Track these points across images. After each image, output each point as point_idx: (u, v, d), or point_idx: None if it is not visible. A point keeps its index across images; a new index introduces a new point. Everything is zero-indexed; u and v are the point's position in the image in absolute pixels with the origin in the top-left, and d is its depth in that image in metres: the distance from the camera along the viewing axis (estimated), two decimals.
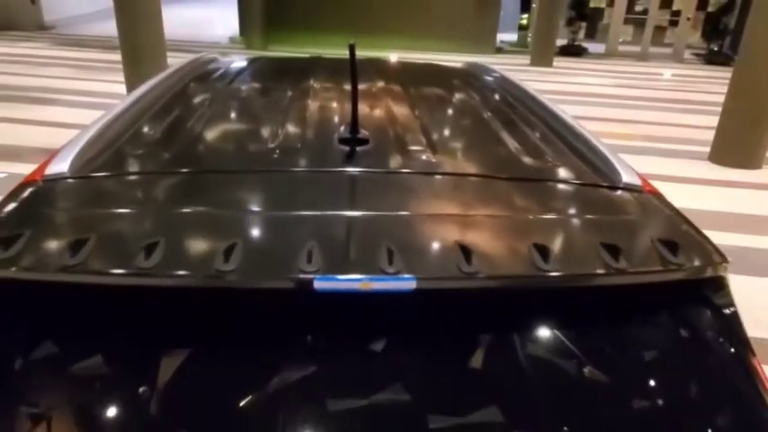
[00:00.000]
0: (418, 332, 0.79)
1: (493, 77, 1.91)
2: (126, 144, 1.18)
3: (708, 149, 6.61)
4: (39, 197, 0.95)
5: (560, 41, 15.53)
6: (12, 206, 0.91)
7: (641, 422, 0.78)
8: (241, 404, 0.72)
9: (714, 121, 6.58)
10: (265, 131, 1.31)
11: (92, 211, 0.93)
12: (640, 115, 8.74)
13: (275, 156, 1.15)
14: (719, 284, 0.93)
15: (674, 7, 16.99)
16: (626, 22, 17.88)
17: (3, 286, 0.78)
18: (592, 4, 18.76)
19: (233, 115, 1.52)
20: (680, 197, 5.29)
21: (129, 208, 0.95)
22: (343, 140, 1.16)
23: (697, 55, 15.79)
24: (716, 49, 15.32)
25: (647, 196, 1.06)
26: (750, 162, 6.29)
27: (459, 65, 2.25)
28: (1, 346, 0.77)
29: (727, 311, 0.93)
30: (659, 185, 4.93)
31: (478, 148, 1.37)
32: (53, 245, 0.82)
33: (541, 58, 13.20)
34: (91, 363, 0.74)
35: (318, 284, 0.75)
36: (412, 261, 0.80)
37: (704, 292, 0.93)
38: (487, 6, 14.34)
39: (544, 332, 0.82)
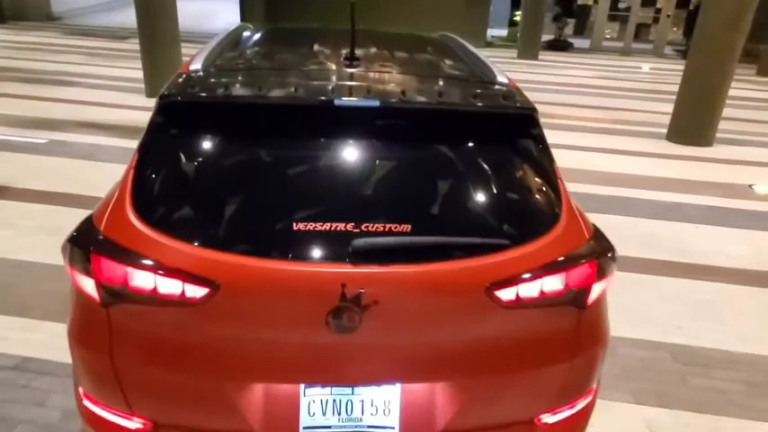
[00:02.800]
0: (382, 131, 1.61)
1: (454, 41, 2.68)
2: (221, 60, 2.00)
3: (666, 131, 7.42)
4: (191, 77, 1.74)
5: (548, 37, 16.35)
6: (182, 79, 1.72)
7: (487, 196, 1.57)
8: (303, 164, 1.55)
9: None
10: (303, 54, 2.28)
11: (218, 79, 1.80)
12: (615, 103, 9.52)
13: (311, 63, 2.08)
14: (535, 122, 1.72)
15: (658, 5, 17.86)
16: (612, 19, 18.68)
17: (192, 106, 1.63)
18: (580, 2, 19.60)
19: (280, 47, 2.52)
20: (634, 166, 6.09)
21: (238, 77, 1.86)
22: (346, 59, 1.96)
23: (677, 51, 16.59)
24: None
25: (508, 88, 1.85)
26: (700, 140, 7.08)
27: (434, 35, 3.05)
28: (188, 141, 1.56)
29: (539, 140, 1.72)
30: (621, 158, 5.80)
31: (422, 66, 2.34)
32: (208, 89, 1.69)
33: (527, 51, 13.96)
34: (232, 143, 1.57)
35: (338, 102, 1.56)
36: (378, 93, 1.64)
37: (526, 125, 1.70)
38: (478, 2, 15.12)
39: (439, 140, 1.63)
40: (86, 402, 1.66)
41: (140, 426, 1.58)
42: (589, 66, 13.64)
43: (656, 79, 12.22)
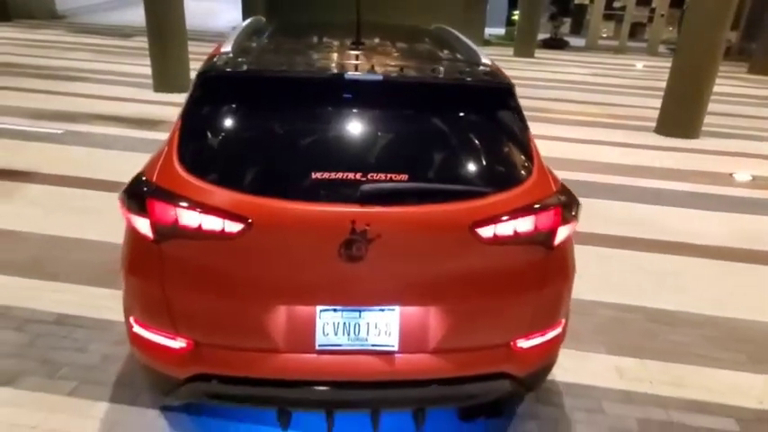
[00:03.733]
0: (384, 100, 1.94)
1: (447, 32, 2.99)
2: (245, 45, 2.34)
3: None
4: (223, 57, 2.07)
5: (544, 36, 16.70)
6: (215, 59, 2.05)
7: (471, 153, 1.91)
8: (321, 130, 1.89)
9: None
10: (315, 39, 2.65)
11: (245, 58, 2.14)
12: (608, 99, 9.86)
13: (324, 46, 2.46)
14: (512, 92, 2.04)
15: (653, 5, 18.20)
16: (608, 18, 19.02)
17: (226, 79, 1.98)
18: (576, 1, 19.95)
19: (294, 34, 2.90)
20: (623, 156, 6.42)
21: (262, 57, 2.25)
22: (353, 43, 2.29)
23: (671, 49, 16.91)
24: None
25: (491, 67, 2.18)
26: (687, 133, 7.41)
27: (431, 27, 3.38)
28: (223, 108, 1.89)
29: (516, 110, 2.05)
30: (611, 149, 6.20)
31: (418, 49, 2.70)
32: (237, 66, 2.04)
33: (524, 49, 14.30)
34: (259, 109, 1.92)
35: (347, 76, 1.89)
36: (381, 69, 1.96)
37: (505, 97, 2.02)
38: (475, 3, 15.47)
39: (431, 108, 1.96)
40: (137, 328, 1.98)
41: (184, 345, 1.90)
42: (584, 63, 13.97)
43: (648, 76, 12.55)
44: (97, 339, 2.81)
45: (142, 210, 1.80)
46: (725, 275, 3.89)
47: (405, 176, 1.79)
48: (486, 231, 1.81)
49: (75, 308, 3.07)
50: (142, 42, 8.68)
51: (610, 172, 5.91)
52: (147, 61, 8.64)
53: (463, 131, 1.94)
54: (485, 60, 2.26)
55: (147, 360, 2.00)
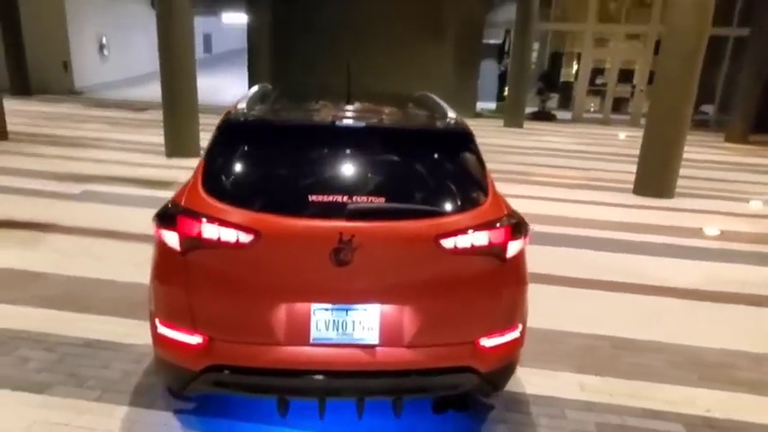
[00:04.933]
0: (368, 142, 2.41)
1: (426, 95, 3.55)
2: (257, 105, 2.85)
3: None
4: (239, 111, 2.58)
5: (533, 109, 17.75)
6: (233, 112, 2.54)
7: (436, 182, 2.38)
8: (318, 163, 2.36)
9: None
10: (314, 100, 3.18)
11: (257, 112, 2.66)
12: (590, 164, 10.50)
13: (320, 107, 2.96)
14: (470, 138, 2.53)
15: (634, 81, 19.43)
16: (594, 94, 20.27)
17: (242, 125, 2.52)
18: (563, 79, 21.31)
19: (295, 96, 3.50)
20: (603, 213, 6.91)
21: (271, 109, 2.76)
22: (344, 100, 2.87)
23: None
24: None
25: (456, 120, 2.67)
26: (662, 193, 7.97)
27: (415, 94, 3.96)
28: (239, 147, 2.38)
29: (473, 149, 2.52)
30: (591, 207, 6.78)
31: (398, 105, 3.20)
32: (251, 116, 2.58)
33: (513, 120, 15.21)
34: (269, 148, 2.41)
35: (337, 123, 2.39)
36: (366, 121, 2.46)
37: (464, 140, 2.51)
38: (467, 80, 16.60)
39: (405, 148, 2.44)
40: (161, 329, 2.36)
41: (200, 340, 2.28)
42: (569, 134, 14.81)
43: (629, 145, 13.28)
44: (119, 359, 3.17)
45: (173, 226, 2.25)
46: (691, 312, 4.27)
47: (382, 199, 2.25)
48: (448, 243, 2.24)
49: (100, 334, 3.44)
50: (154, 115, 9.42)
51: (589, 226, 6.38)
52: (160, 131, 9.33)
53: (430, 166, 2.43)
54: (451, 115, 2.78)
55: (169, 356, 2.38)
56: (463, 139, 2.54)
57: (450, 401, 2.78)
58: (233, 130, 2.48)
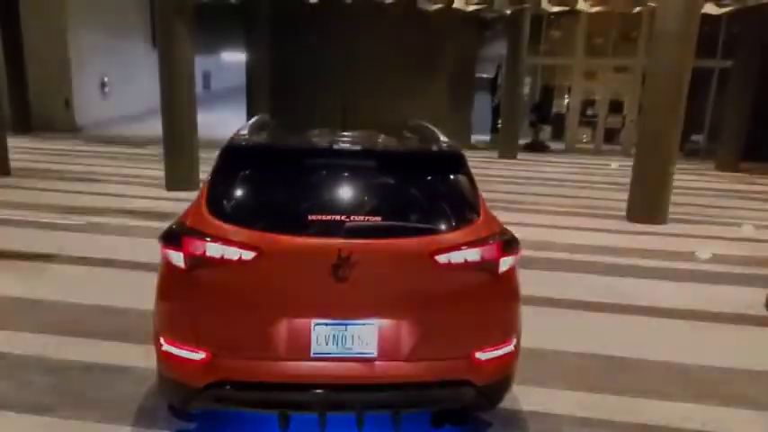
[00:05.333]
0: (364, 164, 2.54)
1: (419, 123, 3.70)
2: (257, 132, 2.97)
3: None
4: (240, 137, 2.72)
5: (526, 140, 18.07)
6: (235, 139, 2.68)
7: (430, 201, 2.50)
8: (319, 184, 2.49)
9: None
10: (310, 130, 3.26)
11: (257, 138, 2.79)
12: (582, 192, 10.68)
13: (318, 134, 3.06)
14: (462, 159, 2.65)
15: (624, 112, 19.88)
16: (586, 125, 20.69)
17: (243, 150, 2.67)
18: (555, 110, 21.78)
19: (293, 126, 3.59)
20: (596, 239, 7.02)
21: (270, 136, 2.92)
22: (339, 127, 2.98)
23: None
24: None
25: (451, 146, 2.80)
26: (654, 219, 8.11)
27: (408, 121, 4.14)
28: (240, 170, 2.50)
29: (465, 170, 2.64)
30: (585, 233, 6.91)
31: (392, 132, 3.30)
32: (251, 142, 2.72)
33: (507, 151, 15.48)
34: (269, 170, 2.54)
35: (335, 147, 2.57)
36: (361, 145, 2.66)
37: (456, 161, 2.63)
38: (462, 113, 16.98)
39: (399, 169, 2.57)
40: (166, 346, 2.44)
41: (203, 356, 2.36)
42: (561, 163, 15.05)
43: (621, 174, 13.47)
44: (121, 381, 3.22)
45: (178, 245, 2.35)
46: (684, 331, 4.35)
47: (379, 218, 2.37)
48: (442, 258, 2.35)
49: (102, 358, 3.50)
50: (154, 150, 9.59)
51: (584, 251, 6.49)
52: (160, 166, 9.49)
53: (424, 186, 2.55)
54: (443, 139, 2.92)
55: (173, 373, 2.45)
56: (455, 161, 2.67)
57: (448, 416, 2.84)
58: (235, 155, 2.61)
